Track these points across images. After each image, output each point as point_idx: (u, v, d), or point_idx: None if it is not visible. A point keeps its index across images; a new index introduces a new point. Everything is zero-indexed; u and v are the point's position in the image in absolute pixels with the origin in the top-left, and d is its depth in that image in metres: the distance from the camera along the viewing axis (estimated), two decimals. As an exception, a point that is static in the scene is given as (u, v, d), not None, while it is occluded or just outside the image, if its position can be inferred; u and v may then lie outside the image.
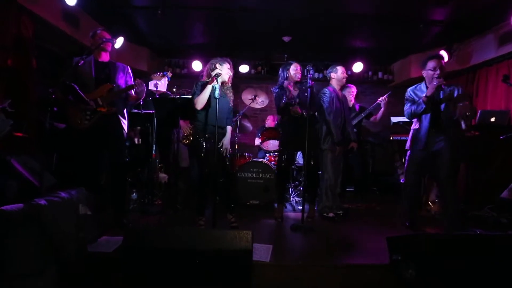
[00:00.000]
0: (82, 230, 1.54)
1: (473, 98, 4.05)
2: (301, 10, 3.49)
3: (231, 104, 2.55)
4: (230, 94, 2.54)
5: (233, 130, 3.76)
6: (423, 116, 2.46)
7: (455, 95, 2.39)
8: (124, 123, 2.54)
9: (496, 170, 3.23)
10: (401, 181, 2.62)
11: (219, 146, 2.39)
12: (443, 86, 2.43)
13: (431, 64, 2.45)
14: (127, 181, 2.77)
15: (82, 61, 2.17)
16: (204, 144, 2.38)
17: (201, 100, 2.33)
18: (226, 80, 2.47)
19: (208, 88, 2.32)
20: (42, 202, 1.35)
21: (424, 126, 2.45)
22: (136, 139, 4.16)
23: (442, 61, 2.47)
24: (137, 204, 3.13)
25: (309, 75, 2.65)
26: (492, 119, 3.32)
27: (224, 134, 2.49)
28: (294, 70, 2.85)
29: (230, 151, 2.51)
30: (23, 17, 2.69)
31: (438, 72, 2.40)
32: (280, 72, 2.90)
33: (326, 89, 2.97)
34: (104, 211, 2.53)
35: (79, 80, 2.34)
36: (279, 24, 3.92)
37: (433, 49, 4.31)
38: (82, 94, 2.18)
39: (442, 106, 2.41)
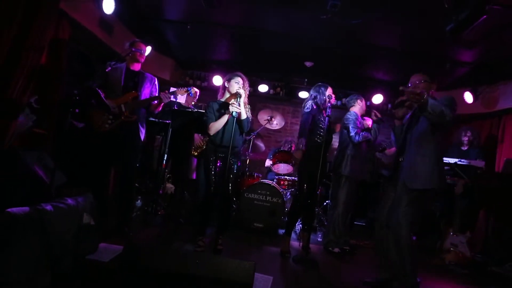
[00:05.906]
0: (83, 241, 1.51)
1: (498, 144, 3.88)
2: (327, 38, 3.53)
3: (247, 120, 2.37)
4: (247, 112, 2.39)
5: (246, 149, 3.74)
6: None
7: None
8: (142, 132, 2.57)
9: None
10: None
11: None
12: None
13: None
14: (134, 191, 2.76)
15: (109, 67, 2.24)
16: (215, 161, 2.36)
17: (216, 128, 2.30)
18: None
19: (224, 117, 2.29)
20: (48, 207, 1.34)
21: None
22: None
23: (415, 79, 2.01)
24: (140, 212, 3.10)
25: (328, 104, 2.60)
26: (518, 169, 3.14)
27: (237, 154, 2.43)
28: (330, 92, 2.65)
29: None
30: (62, 21, 2.83)
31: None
32: (313, 92, 2.70)
33: (352, 112, 2.91)
34: (106, 217, 2.51)
35: (108, 84, 2.42)
36: (302, 49, 3.97)
37: (457, 89, 4.21)
38: (105, 101, 2.23)
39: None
